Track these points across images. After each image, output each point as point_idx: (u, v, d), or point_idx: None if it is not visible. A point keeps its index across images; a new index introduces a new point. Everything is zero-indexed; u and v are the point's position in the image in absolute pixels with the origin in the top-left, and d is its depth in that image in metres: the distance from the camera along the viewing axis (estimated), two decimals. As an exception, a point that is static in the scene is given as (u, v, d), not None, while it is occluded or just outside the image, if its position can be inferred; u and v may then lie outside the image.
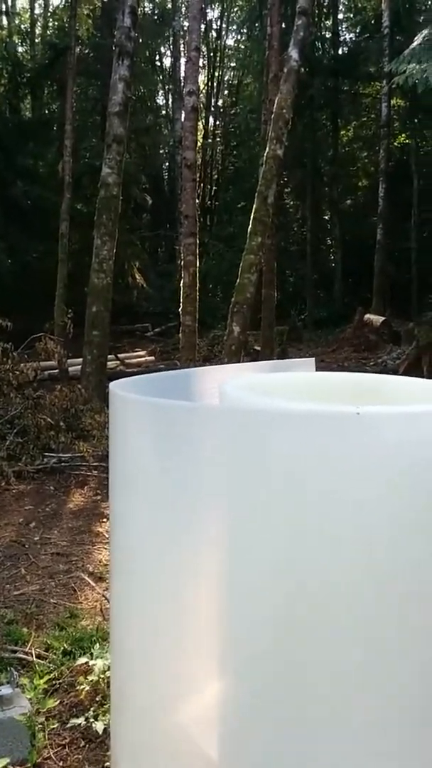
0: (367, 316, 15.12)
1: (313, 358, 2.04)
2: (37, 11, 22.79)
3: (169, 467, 1.24)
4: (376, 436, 1.14)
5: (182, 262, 8.23)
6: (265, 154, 8.18)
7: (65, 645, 2.60)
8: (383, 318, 14.66)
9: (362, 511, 1.14)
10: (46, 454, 5.65)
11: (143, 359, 13.00)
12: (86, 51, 18.82)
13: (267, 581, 1.18)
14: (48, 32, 22.20)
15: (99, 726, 2.02)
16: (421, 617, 1.21)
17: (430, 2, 18.64)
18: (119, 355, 12.35)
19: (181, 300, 8.19)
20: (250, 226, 7.88)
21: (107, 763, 1.87)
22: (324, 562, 1.15)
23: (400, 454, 1.14)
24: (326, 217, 22.91)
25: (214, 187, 25.33)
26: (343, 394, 1.66)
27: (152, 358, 13.22)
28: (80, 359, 8.44)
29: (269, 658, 1.20)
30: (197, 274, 8.29)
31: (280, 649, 1.19)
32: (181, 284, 8.20)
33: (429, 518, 1.16)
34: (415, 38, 9.14)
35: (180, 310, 8.24)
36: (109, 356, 9.81)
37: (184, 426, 1.20)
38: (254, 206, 7.91)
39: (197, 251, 8.30)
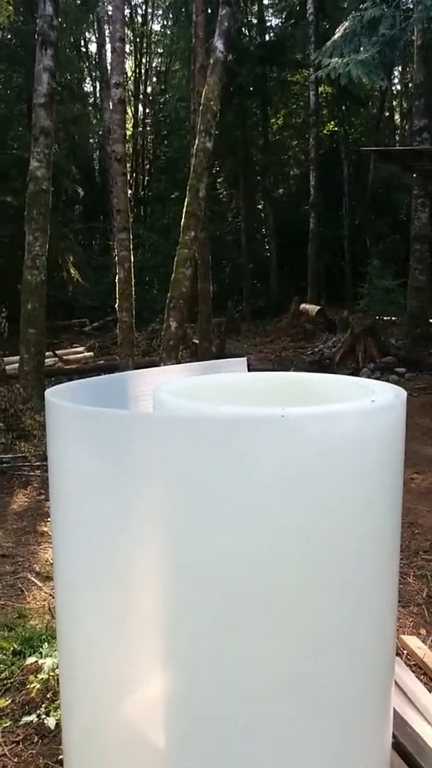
0: (302, 305, 15.43)
1: (245, 358, 2.13)
2: None
3: (104, 474, 1.30)
4: (299, 435, 1.24)
5: (116, 258, 8.18)
6: (194, 147, 8.21)
7: (15, 645, 2.63)
8: (318, 307, 14.99)
9: (291, 504, 1.24)
10: (-14, 456, 5.58)
11: (82, 355, 12.87)
12: (9, 37, 18.26)
13: (205, 577, 1.26)
14: (-33, 18, 21.39)
15: (51, 722, 2.08)
16: (357, 603, 1.33)
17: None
18: (57, 352, 12.18)
19: (117, 296, 8.17)
20: (183, 220, 7.92)
21: (61, 756, 1.94)
22: (258, 556, 1.24)
23: (320, 449, 1.24)
24: (260, 207, 23.11)
25: (146, 178, 25.13)
26: (271, 395, 1.76)
27: (91, 354, 13.10)
28: (17, 358, 8.31)
29: (210, 653, 1.28)
30: (132, 269, 8.28)
31: (219, 642, 1.27)
32: (116, 280, 8.16)
33: (349, 503, 1.27)
34: (337, 30, 9.32)
35: (116, 306, 8.21)
36: (48, 353, 9.68)
37: (117, 434, 1.27)
38: (186, 200, 7.95)
39: (131, 245, 8.28)
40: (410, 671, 2.32)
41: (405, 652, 2.57)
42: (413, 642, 2.58)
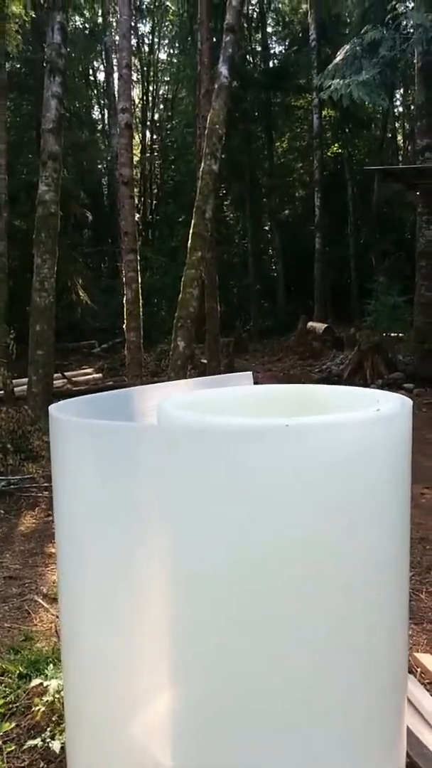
0: (310, 323, 15.45)
1: (250, 372, 2.12)
2: (-36, 28, 22.44)
3: (109, 486, 1.28)
4: (304, 444, 1.22)
5: (124, 279, 8.24)
6: (200, 170, 8.30)
7: (21, 668, 2.59)
8: (325, 325, 15.01)
9: (297, 511, 1.22)
10: (-5, 477, 5.58)
11: (90, 377, 12.90)
12: (18, 66, 18.65)
13: (213, 591, 1.24)
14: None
15: (56, 745, 2.03)
16: (365, 615, 1.29)
17: (354, 15, 19.24)
18: (66, 374, 12.22)
19: (125, 317, 8.21)
20: (189, 241, 7.98)
21: (67, 782, 1.89)
22: (263, 568, 1.22)
23: (326, 458, 1.22)
24: (266, 228, 23.27)
25: (154, 202, 25.41)
26: (276, 407, 1.75)
27: (100, 375, 13.14)
28: (26, 379, 8.35)
29: (218, 669, 1.25)
30: (140, 290, 8.33)
31: (228, 659, 1.24)
32: (124, 301, 8.22)
33: (355, 513, 1.25)
34: (338, 53, 9.46)
35: (124, 326, 8.25)
36: (56, 375, 9.72)
37: (121, 446, 1.26)
38: (193, 221, 8.01)
39: (138, 267, 8.34)
40: (425, 690, 2.27)
41: (419, 669, 2.51)
42: (427, 660, 2.53)
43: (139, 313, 8.25)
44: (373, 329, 11.36)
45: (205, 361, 11.84)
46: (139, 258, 8.41)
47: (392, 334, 12.02)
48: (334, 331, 14.50)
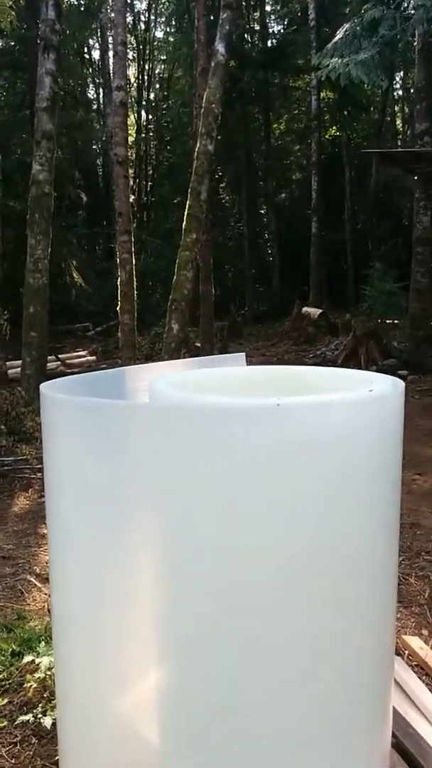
0: (305, 309, 15.41)
1: (243, 353, 2.12)
2: (-42, 3, 22.02)
3: (99, 465, 1.28)
4: (296, 424, 1.22)
5: (118, 261, 8.19)
6: (196, 150, 8.23)
7: (13, 646, 2.61)
8: (321, 310, 14.98)
9: (288, 492, 1.22)
10: (-12, 458, 5.57)
11: (84, 359, 12.86)
12: (12, 43, 18.36)
13: (202, 571, 1.24)
14: (-30, 25, 21.50)
15: (47, 721, 2.06)
16: (353, 597, 1.30)
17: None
18: (60, 356, 12.18)
19: (119, 299, 8.17)
20: (184, 223, 7.93)
21: (57, 757, 1.91)
22: (252, 548, 1.22)
23: (317, 438, 1.22)
24: (262, 211, 23.13)
25: (149, 183, 25.19)
26: (268, 387, 1.74)
27: (94, 357, 13.10)
28: (20, 361, 8.31)
29: (205, 650, 1.25)
30: (134, 272, 8.29)
31: (216, 640, 1.25)
32: (118, 283, 8.17)
33: (345, 493, 1.25)
34: (338, 32, 9.35)
35: (118, 309, 8.21)
36: (50, 357, 9.68)
37: (112, 424, 1.25)
38: (188, 202, 7.96)
39: (133, 249, 8.28)
40: (412, 671, 2.29)
41: (406, 652, 2.53)
42: (415, 642, 2.55)
43: (134, 295, 8.22)
44: (368, 315, 11.35)
45: (199, 344, 11.82)
46: (133, 240, 8.35)
47: (387, 321, 12.02)
48: (329, 316, 14.47)
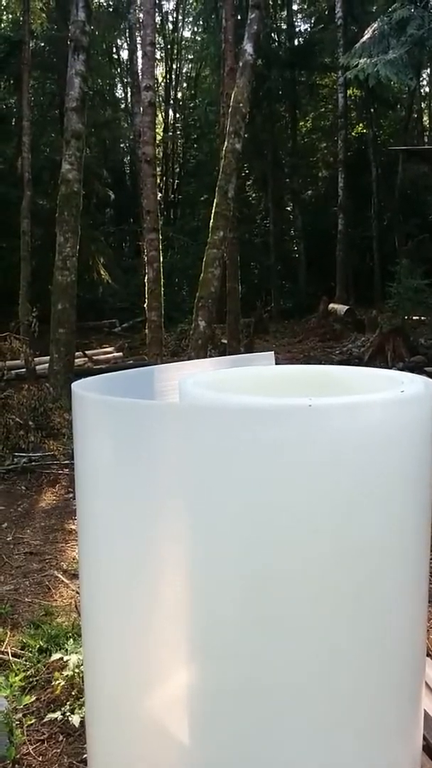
0: (331, 305, 15.32)
1: (272, 352, 2.10)
2: (-12, 5, 22.33)
3: (130, 464, 1.28)
4: (327, 424, 1.20)
5: (146, 258, 8.23)
6: (223, 148, 8.21)
7: (41, 643, 2.64)
8: (347, 307, 14.87)
9: (318, 495, 1.21)
10: (17, 454, 5.64)
11: (111, 356, 12.95)
12: (42, 44, 18.55)
13: (231, 570, 1.23)
14: (1, 26, 21.79)
15: (75, 719, 2.07)
16: (384, 599, 1.28)
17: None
18: (87, 352, 12.28)
19: (146, 296, 8.21)
20: (211, 221, 7.93)
21: (85, 755, 1.92)
22: (283, 548, 1.21)
23: (349, 439, 1.20)
24: (288, 209, 23.03)
25: (176, 181, 25.26)
26: (298, 387, 1.73)
27: (120, 354, 13.18)
28: (47, 357, 8.40)
29: (234, 648, 1.25)
30: (161, 270, 8.31)
31: (245, 639, 1.24)
32: (146, 280, 8.21)
33: (375, 496, 1.23)
34: (366, 31, 9.26)
35: (145, 305, 8.25)
36: (77, 353, 9.76)
37: (142, 424, 1.25)
38: (215, 200, 7.95)
39: (160, 246, 8.31)
40: (442, 675, 2.26)
41: (437, 655, 2.49)
42: (445, 645, 2.51)
43: (161, 292, 8.25)
44: (394, 312, 11.24)
45: (225, 341, 11.82)
46: (160, 237, 8.38)
47: (414, 318, 11.88)
48: (355, 313, 14.35)
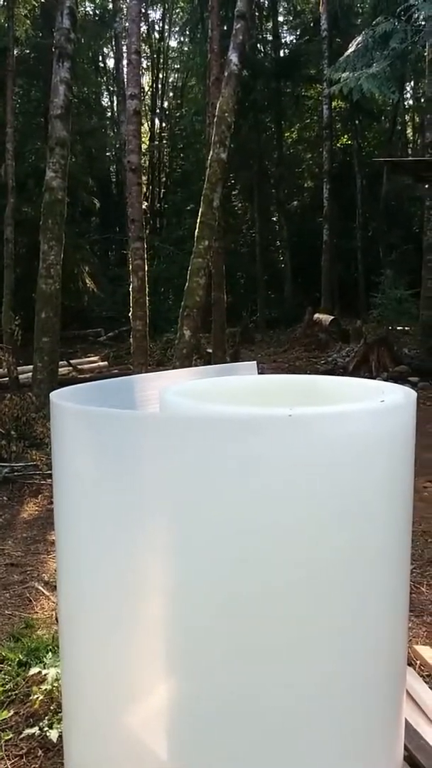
0: (316, 315, 15.39)
1: (254, 362, 2.10)
2: (-26, 13, 22.29)
3: (109, 474, 1.27)
4: (307, 435, 1.20)
5: (131, 267, 8.21)
6: (209, 158, 8.24)
7: (20, 656, 2.59)
8: (332, 317, 14.95)
9: (298, 504, 1.20)
10: (-2, 464, 5.58)
11: (96, 365, 12.91)
12: (26, 51, 18.53)
13: (213, 581, 1.22)
14: (-16, 34, 21.74)
15: (54, 734, 2.03)
16: (365, 609, 1.28)
17: (366, 6, 19.05)
18: (72, 361, 12.23)
19: (131, 305, 8.19)
20: (197, 230, 7.93)
21: (64, 770, 1.89)
22: (263, 560, 1.20)
23: (329, 449, 1.20)
24: (274, 219, 23.15)
25: (162, 190, 25.30)
26: (279, 397, 1.73)
27: (105, 363, 13.14)
28: (31, 366, 8.34)
29: (216, 662, 1.23)
30: (146, 279, 8.30)
31: (227, 653, 1.22)
32: (131, 289, 8.19)
33: (357, 504, 1.23)
34: (350, 44, 9.36)
35: (130, 314, 8.23)
36: (62, 362, 9.71)
37: (122, 434, 1.24)
38: (201, 210, 7.97)
39: (146, 255, 8.30)
40: (423, 682, 2.25)
41: (418, 662, 2.50)
42: (426, 652, 2.51)
43: (146, 301, 8.23)
44: (379, 322, 11.33)
45: (210, 350, 11.82)
46: (146, 246, 8.37)
47: (398, 328, 11.98)
48: (340, 323, 14.43)
